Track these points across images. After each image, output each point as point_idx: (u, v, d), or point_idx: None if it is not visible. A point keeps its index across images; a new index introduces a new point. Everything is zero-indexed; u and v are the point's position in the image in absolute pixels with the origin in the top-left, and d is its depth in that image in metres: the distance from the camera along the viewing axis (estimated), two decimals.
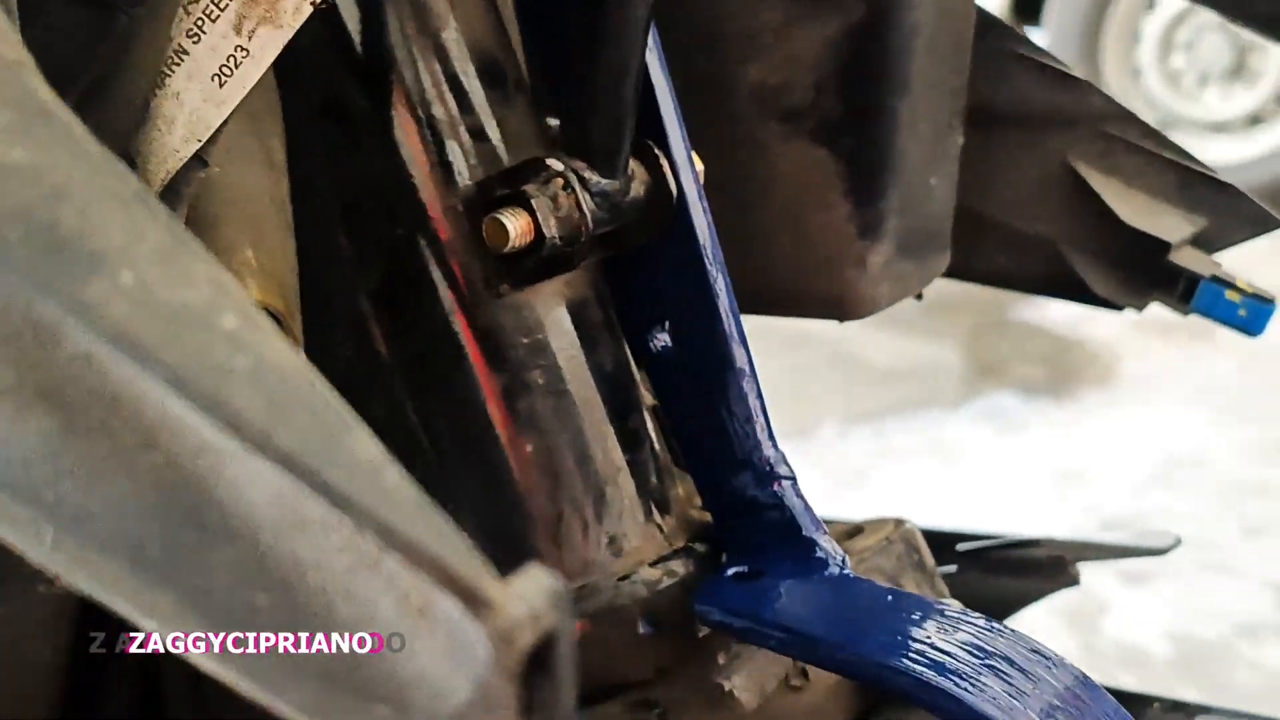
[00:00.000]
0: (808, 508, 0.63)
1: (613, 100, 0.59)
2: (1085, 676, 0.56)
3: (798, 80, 0.75)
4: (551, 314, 0.62)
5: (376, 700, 0.25)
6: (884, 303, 0.79)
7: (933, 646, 0.55)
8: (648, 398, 0.67)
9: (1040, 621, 2.85)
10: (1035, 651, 0.57)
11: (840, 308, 0.79)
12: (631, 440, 0.64)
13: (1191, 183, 0.83)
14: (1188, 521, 3.11)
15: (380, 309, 0.61)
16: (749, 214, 0.78)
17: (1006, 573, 0.85)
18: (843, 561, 0.61)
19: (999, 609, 0.89)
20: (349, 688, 0.25)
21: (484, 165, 0.61)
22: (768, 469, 0.62)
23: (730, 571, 0.62)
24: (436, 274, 0.60)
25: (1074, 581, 0.85)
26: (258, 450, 0.24)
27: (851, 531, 0.75)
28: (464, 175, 0.60)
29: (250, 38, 0.45)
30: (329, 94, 0.61)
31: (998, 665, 0.55)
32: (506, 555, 0.62)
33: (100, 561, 0.25)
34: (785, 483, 0.62)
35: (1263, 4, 0.78)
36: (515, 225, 0.56)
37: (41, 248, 0.24)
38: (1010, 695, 0.53)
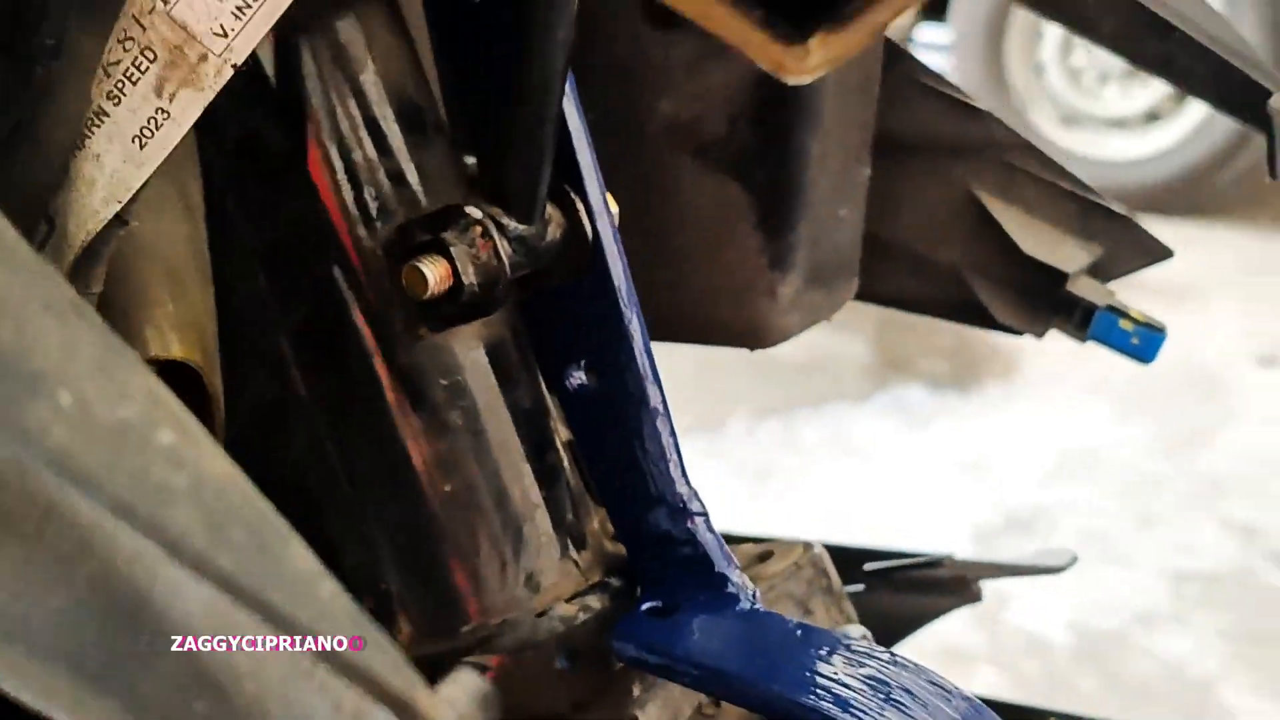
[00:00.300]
0: (719, 542, 0.64)
1: (530, 148, 0.60)
2: (980, 704, 0.59)
3: (710, 115, 0.76)
4: (470, 355, 0.63)
5: None
6: (794, 331, 0.81)
7: (838, 682, 0.57)
8: (563, 432, 0.68)
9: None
10: (934, 683, 0.59)
11: (752, 337, 0.81)
12: (548, 477, 0.65)
13: (1089, 213, 0.86)
14: (1087, 514, 3.19)
15: (300, 349, 0.62)
16: (662, 245, 0.80)
17: (912, 591, 0.88)
18: (753, 595, 0.63)
19: (905, 625, 0.91)
20: None
21: (403, 208, 0.61)
22: (681, 505, 0.64)
23: (645, 606, 0.63)
24: (356, 316, 0.61)
25: (977, 598, 0.88)
26: (196, 571, 0.25)
27: (762, 555, 0.77)
28: (383, 218, 0.61)
29: (171, 100, 0.46)
30: (245, 133, 0.61)
31: (899, 698, 0.57)
32: (426, 593, 0.63)
33: (40, 671, 0.26)
34: (698, 519, 0.64)
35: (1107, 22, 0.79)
36: (434, 273, 0.57)
37: None
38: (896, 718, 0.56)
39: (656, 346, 0.67)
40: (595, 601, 0.64)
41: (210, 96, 0.46)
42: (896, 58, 0.87)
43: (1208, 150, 4.89)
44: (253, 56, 0.56)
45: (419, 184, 0.62)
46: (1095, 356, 3.68)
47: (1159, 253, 0.85)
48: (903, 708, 0.55)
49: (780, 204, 0.78)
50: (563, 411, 0.67)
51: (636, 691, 0.64)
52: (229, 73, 0.46)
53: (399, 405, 0.61)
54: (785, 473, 3.42)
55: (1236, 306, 4.40)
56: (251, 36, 0.46)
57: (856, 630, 0.72)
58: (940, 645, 2.80)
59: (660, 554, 0.64)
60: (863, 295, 0.91)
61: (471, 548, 0.62)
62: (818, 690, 0.56)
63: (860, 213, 0.83)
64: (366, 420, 0.61)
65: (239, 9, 0.45)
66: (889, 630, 0.89)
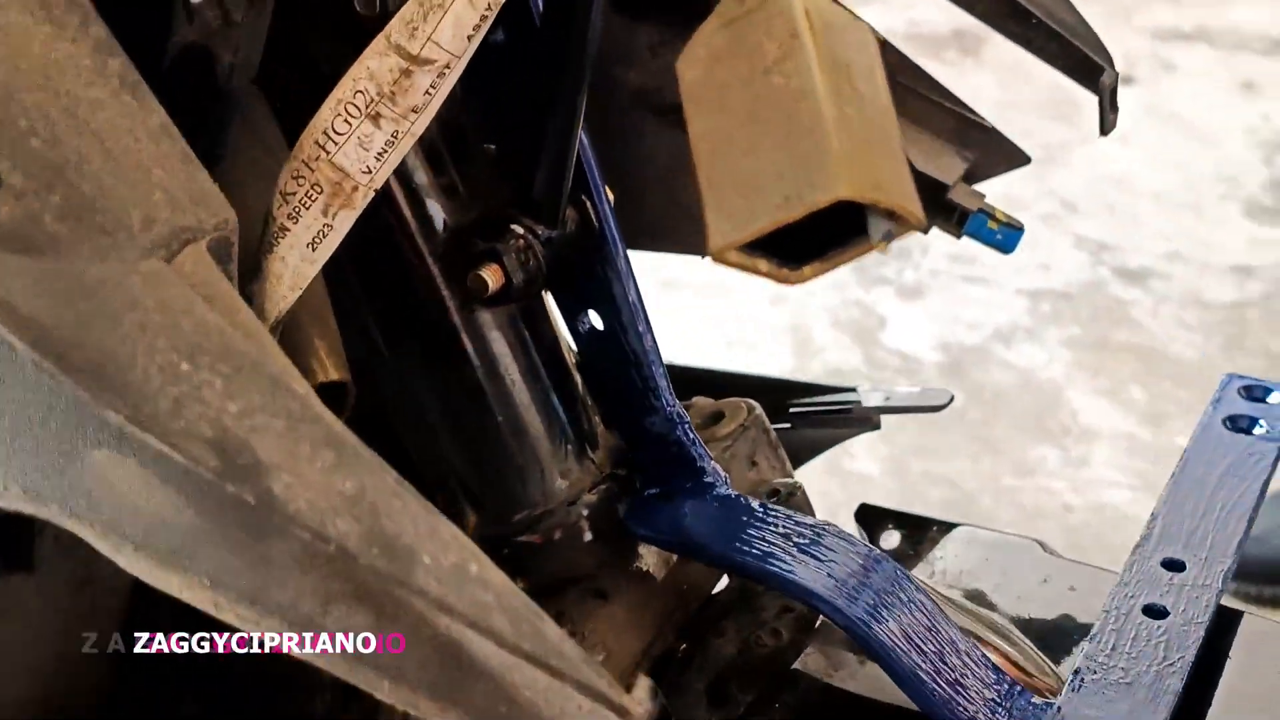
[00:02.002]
0: (697, 440, 0.87)
1: (557, 170, 0.79)
2: (880, 555, 0.82)
3: (668, 85, 0.95)
4: (511, 318, 0.84)
5: None
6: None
7: (780, 547, 0.80)
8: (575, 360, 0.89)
9: (829, 336, 3.19)
10: (841, 538, 0.81)
11: (699, 247, 1.02)
12: (569, 399, 0.87)
13: (965, 127, 1.07)
14: (954, 242, 3.46)
15: (383, 326, 0.82)
16: (630, 179, 1.00)
17: (825, 425, 1.12)
18: (725, 481, 0.86)
19: (818, 446, 1.17)
20: None
21: (456, 214, 0.81)
22: (671, 415, 0.86)
23: (647, 493, 0.86)
24: (430, 299, 0.81)
25: (877, 426, 1.13)
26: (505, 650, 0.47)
27: (715, 415, 1.00)
28: (441, 224, 0.80)
29: (334, 217, 0.65)
30: None
31: (819, 553, 0.80)
32: (488, 492, 0.86)
33: None
34: (685, 425, 0.86)
35: None
36: (493, 278, 0.77)
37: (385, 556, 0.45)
38: (823, 572, 0.79)
39: None
40: (608, 489, 0.88)
41: (359, 212, 0.65)
42: None
43: None
44: None
45: (465, 193, 0.81)
46: (963, 77, 3.87)
47: (1020, 158, 1.07)
48: (822, 559, 0.79)
49: None
50: (575, 346, 0.88)
51: (641, 549, 0.88)
52: (371, 194, 0.65)
53: (470, 358, 0.83)
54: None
55: (1095, 22, 4.59)
56: (387, 170, 0.65)
57: (790, 482, 0.96)
58: (824, 367, 3.10)
59: (656, 452, 0.87)
60: None
61: (519, 457, 0.85)
62: (767, 555, 0.80)
63: None
64: (447, 370, 0.83)
65: (379, 154, 0.64)
66: (808, 450, 1.14)
